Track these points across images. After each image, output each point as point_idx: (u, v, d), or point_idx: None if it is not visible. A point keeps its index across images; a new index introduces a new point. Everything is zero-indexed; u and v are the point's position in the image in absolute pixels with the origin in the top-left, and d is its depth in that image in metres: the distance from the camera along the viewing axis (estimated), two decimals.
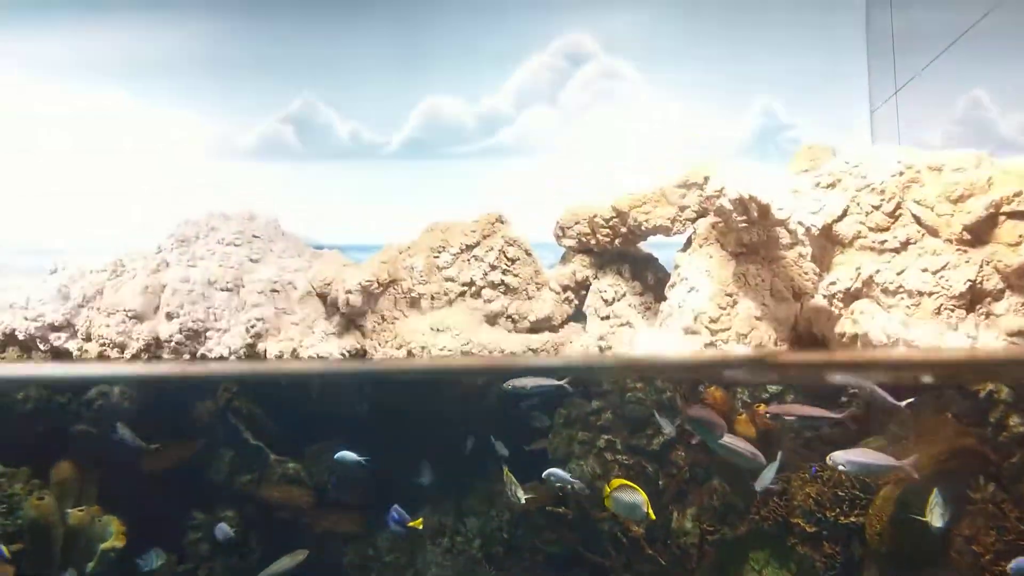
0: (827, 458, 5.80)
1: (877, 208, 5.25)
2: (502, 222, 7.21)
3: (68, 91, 9.29)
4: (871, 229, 5.26)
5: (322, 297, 7.08)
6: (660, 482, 7.32)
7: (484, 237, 7.13)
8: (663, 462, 7.42)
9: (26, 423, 7.27)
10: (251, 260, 7.04)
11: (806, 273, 6.55)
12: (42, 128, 9.29)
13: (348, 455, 7.39)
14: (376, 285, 6.73)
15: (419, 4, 9.09)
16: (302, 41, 9.09)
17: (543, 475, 7.13)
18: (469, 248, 7.07)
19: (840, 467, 5.71)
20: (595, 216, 7.18)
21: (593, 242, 7.30)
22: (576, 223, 7.32)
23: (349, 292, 6.71)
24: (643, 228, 7.02)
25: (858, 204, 5.32)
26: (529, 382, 6.79)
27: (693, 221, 6.99)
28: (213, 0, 9.16)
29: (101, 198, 8.91)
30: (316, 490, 7.95)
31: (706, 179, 6.51)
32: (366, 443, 8.39)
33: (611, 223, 7.13)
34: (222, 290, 6.77)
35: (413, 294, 6.94)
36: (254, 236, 7.13)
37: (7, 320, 6.83)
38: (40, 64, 9.28)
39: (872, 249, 5.22)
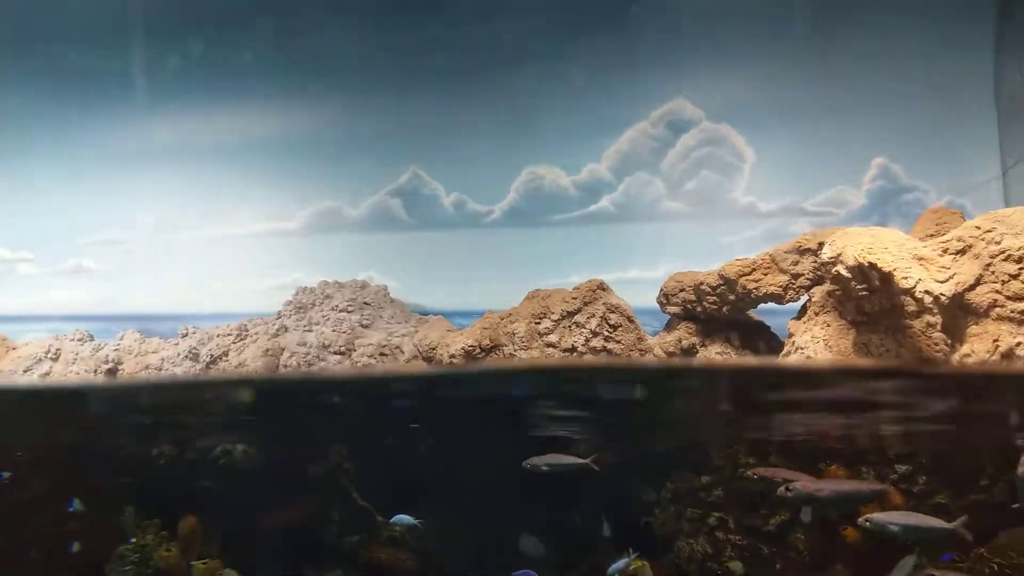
0: (864, 519, 5.48)
1: (1015, 276, 4.87)
2: (603, 289, 7.18)
3: (189, 173, 10.07)
4: (1009, 298, 4.87)
5: (427, 360, 7.26)
6: (777, 565, 6.87)
7: (585, 304, 7.12)
8: (780, 544, 6.97)
9: (158, 478, 7.78)
10: (362, 325, 7.36)
11: (936, 344, 6.09)
12: (174, 210, 10.10)
13: (404, 518, 7.39)
14: (478, 350, 6.84)
15: (520, 78, 9.38)
16: (409, 118, 9.55)
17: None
18: (570, 315, 7.08)
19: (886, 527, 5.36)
20: (701, 283, 7.03)
21: (699, 309, 7.13)
22: (681, 290, 7.18)
23: (453, 356, 6.85)
24: (752, 296, 6.79)
25: (993, 272, 4.94)
26: (551, 460, 6.61)
27: (807, 288, 6.71)
28: (325, 82, 9.80)
29: (227, 269, 9.58)
30: (420, 554, 8.01)
31: (820, 245, 6.25)
32: (474, 511, 8.43)
33: (718, 290, 6.95)
34: (335, 353, 7.10)
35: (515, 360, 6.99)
36: (365, 303, 7.45)
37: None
38: (160, 148, 10.07)
39: (1011, 320, 4.83)
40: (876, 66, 8.41)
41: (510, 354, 7.12)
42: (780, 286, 6.60)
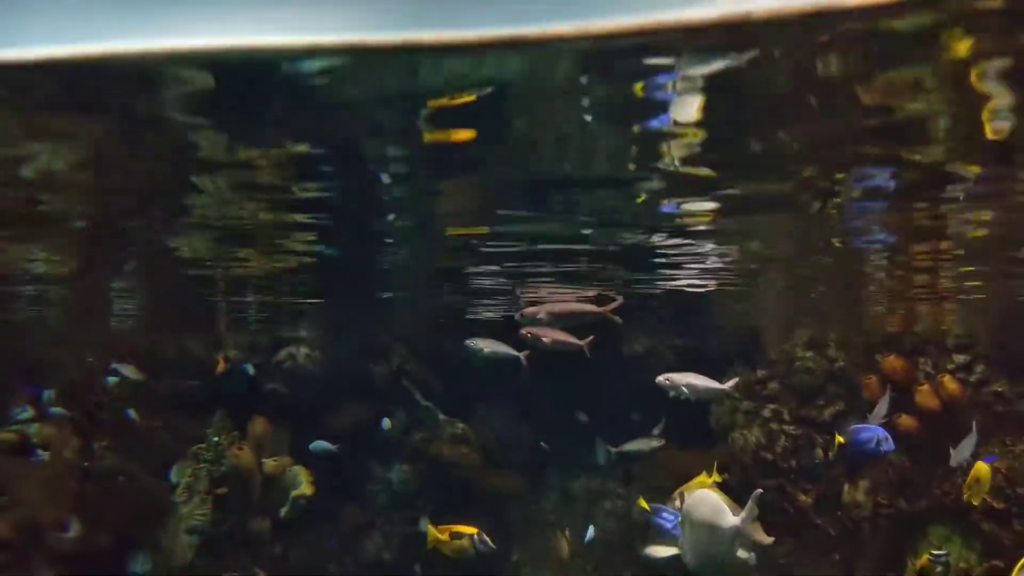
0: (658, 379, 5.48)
1: None
2: None
3: None
4: None
5: None
6: (830, 454, 7.16)
7: None
8: (833, 433, 7.22)
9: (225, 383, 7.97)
10: None
11: None
12: None
13: (322, 444, 7.61)
14: None
15: None
16: None
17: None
18: None
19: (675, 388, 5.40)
20: None
21: None
22: None
23: None
24: None
25: None
26: (490, 345, 6.42)
27: None
28: None
29: None
30: (483, 449, 8.31)
31: None
32: (529, 407, 8.70)
33: None
34: None
35: None
36: None
37: None
38: None
39: None
40: None
41: None
42: None
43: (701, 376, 5.15)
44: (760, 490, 4.36)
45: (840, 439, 5.76)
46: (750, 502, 4.31)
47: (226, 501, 7.62)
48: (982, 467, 5.57)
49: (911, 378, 6.83)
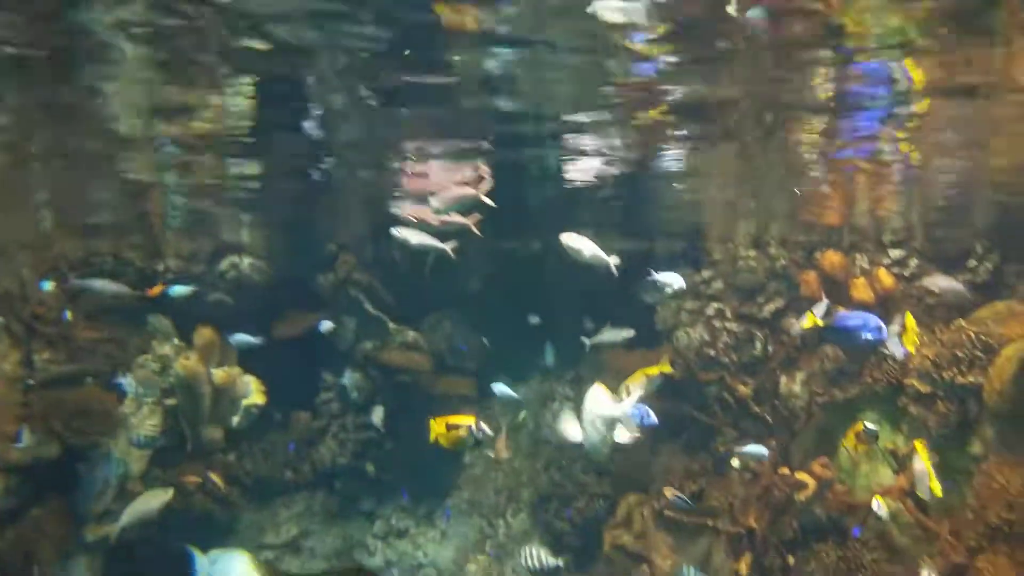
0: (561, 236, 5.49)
1: None
2: None
3: None
4: None
5: None
6: (769, 347, 7.39)
7: None
8: (773, 329, 7.46)
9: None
10: None
11: None
12: None
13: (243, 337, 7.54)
14: None
15: None
16: None
17: None
18: None
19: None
20: None
21: None
22: None
23: None
24: None
25: None
26: (417, 236, 6.24)
27: None
28: None
29: None
30: (434, 355, 8.38)
31: None
32: (479, 313, 8.76)
33: None
34: None
35: None
36: None
37: None
38: None
39: None
40: None
41: None
42: None
43: (595, 245, 5.19)
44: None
45: (816, 320, 5.76)
46: (633, 395, 5.04)
47: (176, 411, 7.61)
48: (908, 316, 5.86)
49: (848, 273, 7.03)
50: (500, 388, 7.19)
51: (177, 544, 7.37)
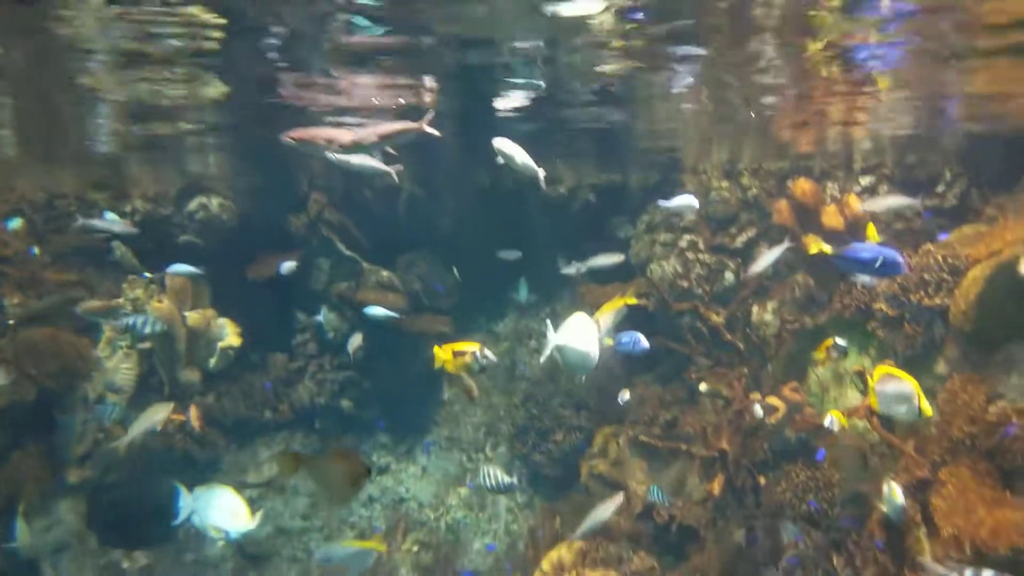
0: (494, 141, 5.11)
1: None
2: None
3: None
4: None
5: None
6: (740, 276, 7.45)
7: None
8: (745, 259, 7.50)
9: (138, 235, 7.70)
10: None
11: None
12: None
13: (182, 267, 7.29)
14: None
15: None
16: None
17: None
18: None
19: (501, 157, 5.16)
20: None
21: None
22: None
23: None
24: None
25: None
26: (358, 160, 5.87)
27: None
28: None
29: None
30: (409, 295, 8.38)
31: None
32: (453, 251, 8.73)
33: None
34: None
35: None
36: None
37: None
38: None
39: None
40: None
41: None
42: None
43: (527, 155, 5.10)
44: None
45: (824, 248, 5.75)
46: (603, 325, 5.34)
47: (152, 354, 7.60)
48: (871, 228, 5.93)
49: (819, 200, 7.05)
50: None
51: (159, 484, 7.46)
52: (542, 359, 4.78)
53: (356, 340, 7.14)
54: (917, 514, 5.61)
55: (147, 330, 6.63)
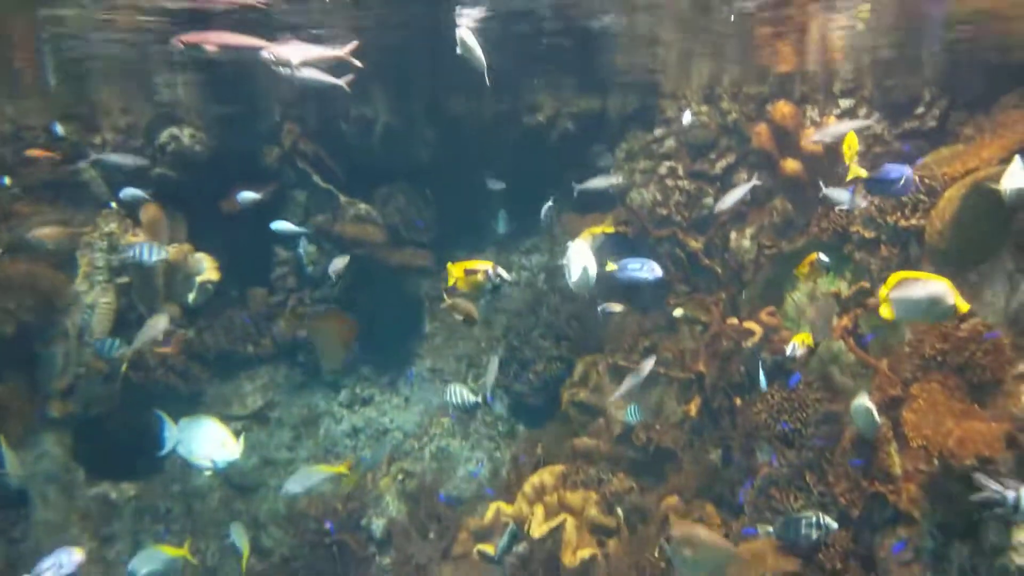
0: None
1: None
2: None
3: None
4: None
5: None
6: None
7: None
8: (725, 185, 7.48)
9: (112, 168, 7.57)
10: None
11: None
12: None
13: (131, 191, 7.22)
14: None
15: None
16: None
17: None
18: None
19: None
20: None
21: None
22: None
23: None
24: None
25: None
26: (308, 75, 5.59)
27: None
28: None
29: None
30: (388, 228, 8.33)
31: None
32: (432, 182, 8.66)
33: None
34: None
35: None
36: None
37: None
38: None
39: None
40: None
41: None
42: None
43: (482, 51, 4.97)
44: None
45: (861, 172, 5.74)
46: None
47: (129, 289, 7.56)
48: (851, 135, 5.93)
49: (798, 124, 7.00)
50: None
51: (143, 417, 7.50)
52: (574, 278, 5.01)
53: (339, 263, 7.06)
54: (889, 431, 5.73)
55: (153, 258, 6.64)
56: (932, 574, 5.03)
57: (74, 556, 5.35)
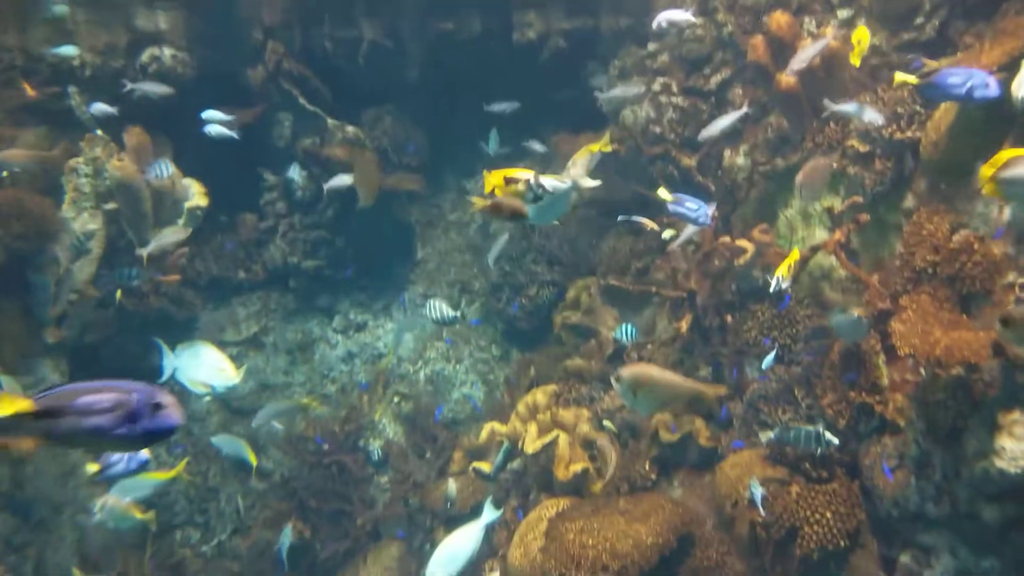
0: None
1: None
2: None
3: None
4: None
5: None
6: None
7: None
8: (719, 102, 7.34)
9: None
10: None
11: None
12: None
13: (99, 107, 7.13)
14: None
15: None
16: None
17: None
18: None
19: None
20: None
21: None
22: None
23: None
24: None
25: None
26: None
27: None
28: None
29: None
30: (378, 151, 8.21)
31: None
32: (421, 105, 8.49)
33: None
34: None
35: None
36: None
37: None
38: None
39: None
40: None
41: None
42: None
43: None
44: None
45: (908, 79, 5.49)
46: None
47: (117, 216, 7.50)
48: (861, 29, 5.76)
49: (795, 35, 6.80)
50: None
51: (139, 344, 7.56)
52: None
53: (341, 180, 6.91)
54: (878, 343, 5.77)
55: (169, 171, 6.56)
56: (916, 479, 5.13)
57: (142, 454, 5.46)
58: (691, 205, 5.58)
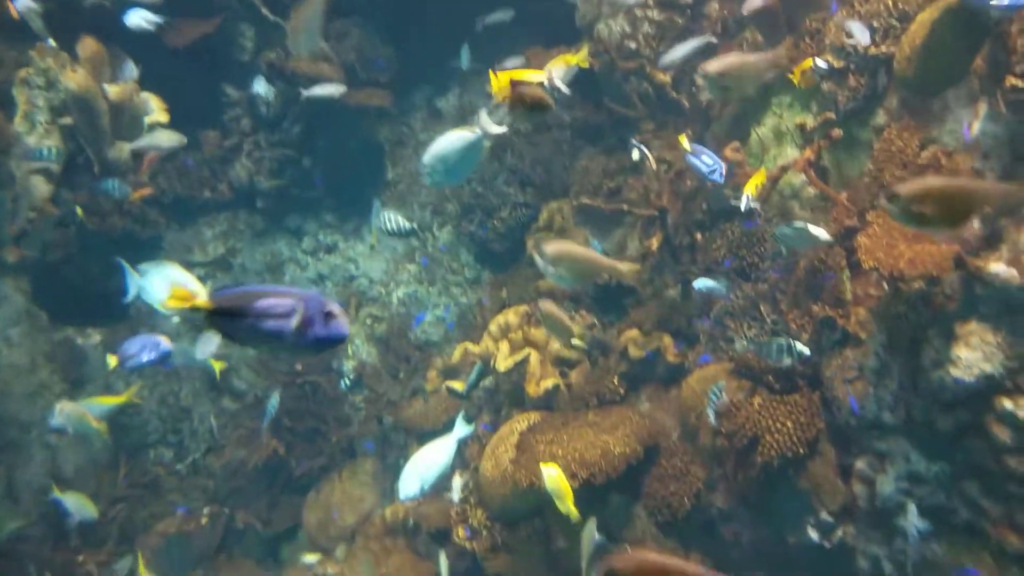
0: None
1: None
2: None
3: None
4: None
5: None
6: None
7: None
8: (695, 16, 7.18)
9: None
10: None
11: None
12: None
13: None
14: None
15: None
16: None
17: None
18: None
19: None
20: None
21: None
22: None
23: None
24: None
25: None
26: None
27: None
28: None
29: None
30: (345, 67, 7.96)
31: None
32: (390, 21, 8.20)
33: None
34: None
35: None
36: None
37: None
38: None
39: None
40: None
41: None
42: None
43: None
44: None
45: None
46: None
47: (74, 132, 7.24)
48: None
49: None
50: None
51: (102, 264, 7.41)
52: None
53: (329, 89, 6.61)
54: (843, 259, 5.84)
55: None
56: (874, 389, 5.28)
57: (163, 344, 5.38)
58: (707, 160, 5.50)
